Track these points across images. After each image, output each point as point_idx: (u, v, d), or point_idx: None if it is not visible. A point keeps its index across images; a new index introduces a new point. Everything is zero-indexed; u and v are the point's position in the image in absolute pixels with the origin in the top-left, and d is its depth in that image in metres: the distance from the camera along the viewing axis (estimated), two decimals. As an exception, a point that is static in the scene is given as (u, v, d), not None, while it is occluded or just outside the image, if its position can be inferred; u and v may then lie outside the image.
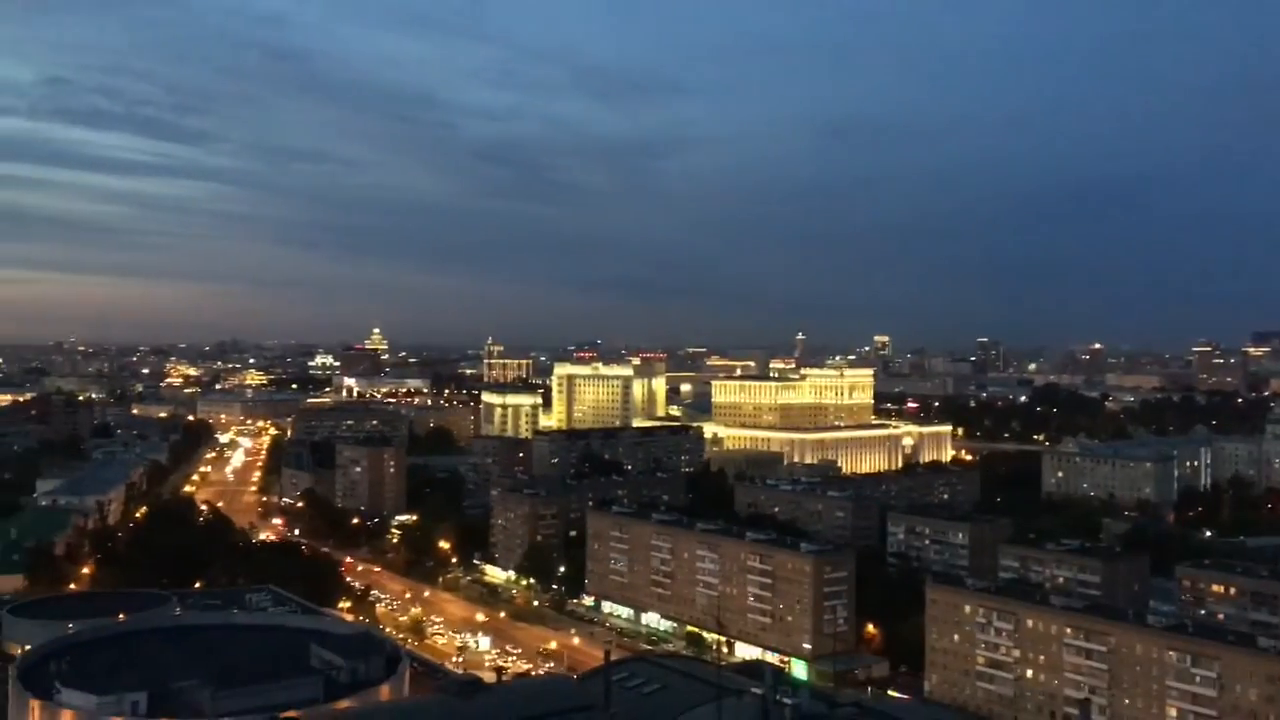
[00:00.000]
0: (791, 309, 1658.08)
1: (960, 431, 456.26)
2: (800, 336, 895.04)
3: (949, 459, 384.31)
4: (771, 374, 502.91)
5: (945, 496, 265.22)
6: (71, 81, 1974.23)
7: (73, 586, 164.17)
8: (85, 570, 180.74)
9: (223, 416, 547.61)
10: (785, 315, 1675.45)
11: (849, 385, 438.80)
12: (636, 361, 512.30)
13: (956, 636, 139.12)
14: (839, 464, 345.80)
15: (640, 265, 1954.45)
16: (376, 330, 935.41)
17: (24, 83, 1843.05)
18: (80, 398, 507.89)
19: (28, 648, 73.13)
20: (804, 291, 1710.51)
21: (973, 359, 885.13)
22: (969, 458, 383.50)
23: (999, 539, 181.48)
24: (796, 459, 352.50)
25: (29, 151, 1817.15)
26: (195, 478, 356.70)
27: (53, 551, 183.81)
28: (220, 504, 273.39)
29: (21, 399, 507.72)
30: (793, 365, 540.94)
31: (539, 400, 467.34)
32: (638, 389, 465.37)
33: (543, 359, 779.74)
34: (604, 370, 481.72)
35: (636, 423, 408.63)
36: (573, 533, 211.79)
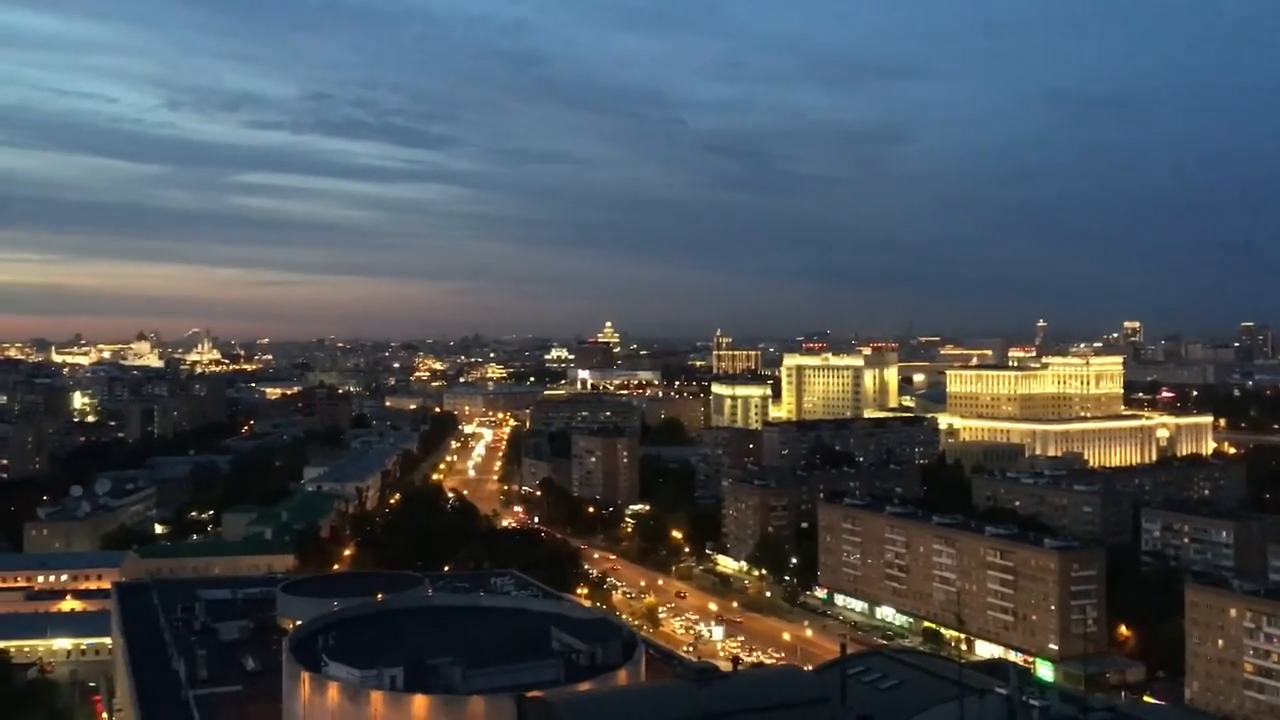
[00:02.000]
0: (1031, 294, 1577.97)
1: (1223, 423, 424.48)
2: (1041, 323, 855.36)
3: (1210, 452, 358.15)
4: (1010, 363, 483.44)
5: (1206, 492, 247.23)
6: (330, 96, 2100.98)
7: (336, 567, 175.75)
8: (347, 552, 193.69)
9: (466, 408, 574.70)
10: (1024, 301, 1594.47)
11: (1095, 374, 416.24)
12: (867, 351, 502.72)
13: (1221, 641, 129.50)
14: (1085, 457, 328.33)
15: (871, 253, 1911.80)
16: (609, 323, 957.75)
17: (288, 98, 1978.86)
18: (340, 391, 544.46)
19: (299, 623, 78.66)
20: (1045, 275, 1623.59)
21: (1236, 345, 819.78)
22: (1233, 451, 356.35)
23: (1269, 538, 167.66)
24: (1038, 451, 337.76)
25: (292, 162, 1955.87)
26: (442, 466, 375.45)
27: (319, 534, 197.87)
28: (465, 492, 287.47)
29: (289, 392, 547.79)
30: (1033, 353, 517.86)
31: (768, 391, 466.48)
32: (869, 379, 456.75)
33: (771, 350, 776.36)
34: (834, 360, 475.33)
35: (868, 414, 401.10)
36: (804, 524, 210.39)
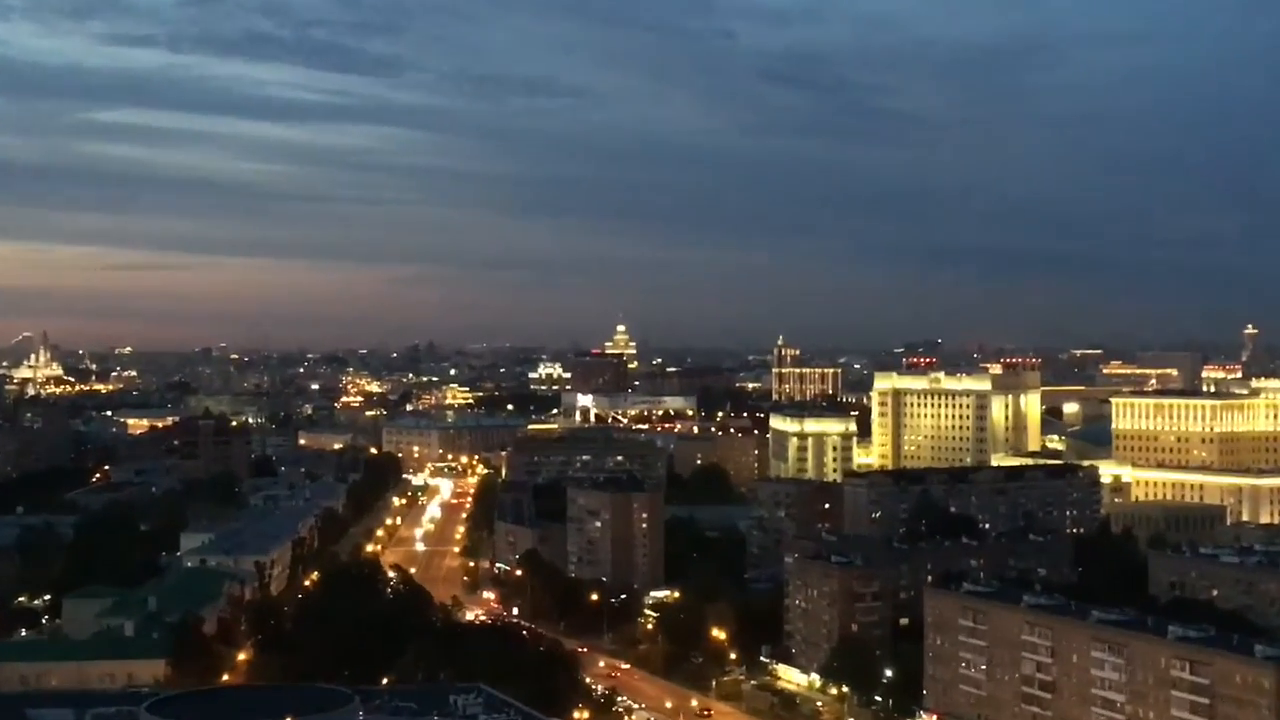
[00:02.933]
0: (1234, 289, 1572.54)
1: None
2: (1250, 330, 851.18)
3: None
4: (1205, 387, 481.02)
5: None
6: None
7: (226, 677, 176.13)
8: (242, 656, 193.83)
9: (415, 449, 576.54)
10: (1224, 299, 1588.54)
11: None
12: (996, 369, 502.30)
13: None
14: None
15: (998, 229, 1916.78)
16: (621, 328, 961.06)
17: (163, 3, 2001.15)
18: (234, 423, 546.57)
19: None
20: (1255, 264, 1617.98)
21: None
22: None
23: None
24: (1245, 516, 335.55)
25: (169, 94, 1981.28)
26: (381, 533, 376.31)
27: (201, 630, 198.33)
28: (414, 569, 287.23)
29: (161, 424, 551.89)
30: (1238, 373, 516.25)
31: (852, 427, 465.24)
32: (998, 409, 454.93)
33: (857, 366, 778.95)
34: (947, 382, 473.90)
35: (996, 460, 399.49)
36: (903, 621, 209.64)
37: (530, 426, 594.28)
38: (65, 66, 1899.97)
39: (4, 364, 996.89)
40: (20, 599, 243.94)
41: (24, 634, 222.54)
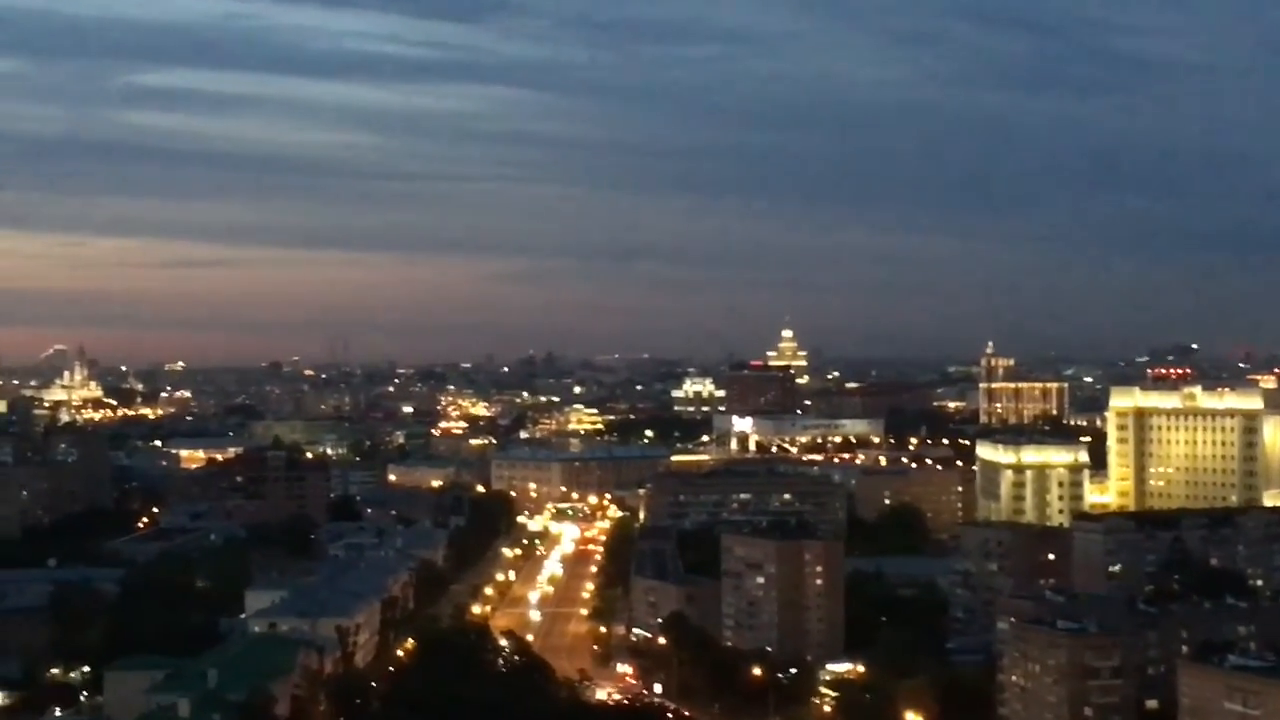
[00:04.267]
0: None
1: None
2: None
3: None
4: None
5: None
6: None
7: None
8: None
9: (532, 486, 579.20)
10: None
11: None
12: (1268, 382, 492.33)
13: None
14: None
15: (1272, 206, 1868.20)
16: (788, 334, 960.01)
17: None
18: (309, 455, 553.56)
19: None
20: None
21: None
22: None
23: None
24: None
25: (225, 50, 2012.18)
26: (490, 591, 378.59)
27: (272, 709, 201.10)
28: (532, 637, 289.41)
29: (221, 457, 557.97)
30: None
31: (1083, 456, 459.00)
32: (1272, 434, 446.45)
33: (1088, 380, 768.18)
34: (1205, 400, 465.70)
35: (1269, 498, 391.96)
36: (1151, 703, 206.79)
37: (674, 458, 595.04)
38: (103, 20, 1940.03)
39: (33, 384, 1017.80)
40: (54, 671, 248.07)
41: (59, 714, 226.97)
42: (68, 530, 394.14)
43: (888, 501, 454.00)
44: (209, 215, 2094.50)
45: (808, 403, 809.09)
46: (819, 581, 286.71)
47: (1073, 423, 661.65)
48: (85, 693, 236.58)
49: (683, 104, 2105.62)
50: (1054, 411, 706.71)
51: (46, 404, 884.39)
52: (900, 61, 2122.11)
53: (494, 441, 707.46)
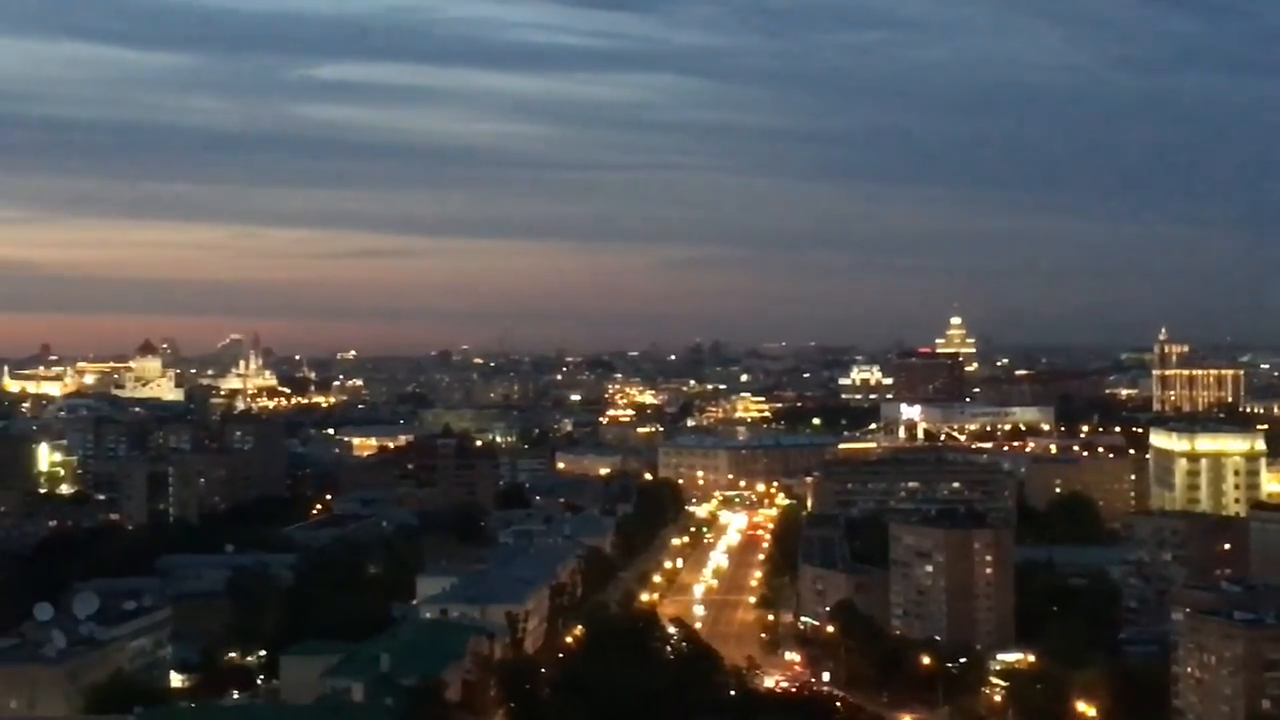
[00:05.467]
0: None
1: None
2: None
3: None
4: None
5: None
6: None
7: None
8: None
9: (699, 474, 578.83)
10: None
11: None
12: None
13: None
14: None
15: None
16: (957, 320, 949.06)
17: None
18: (479, 443, 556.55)
19: None
20: None
21: None
22: None
23: None
24: None
25: (397, 43, 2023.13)
26: (658, 578, 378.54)
27: (443, 694, 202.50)
28: (699, 625, 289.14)
29: (393, 445, 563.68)
30: None
31: (1260, 444, 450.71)
32: None
33: (1265, 366, 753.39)
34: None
35: None
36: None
37: (842, 446, 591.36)
38: (277, 15, 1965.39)
39: (210, 372, 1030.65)
40: (231, 654, 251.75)
41: (236, 696, 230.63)
42: (244, 517, 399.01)
43: (1058, 490, 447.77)
44: (383, 206, 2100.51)
45: (976, 390, 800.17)
46: (988, 570, 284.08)
47: (1249, 410, 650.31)
48: (261, 676, 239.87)
49: (854, 91, 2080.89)
50: (1230, 399, 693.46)
51: (223, 392, 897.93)
52: (1074, 47, 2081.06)
53: (661, 429, 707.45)
